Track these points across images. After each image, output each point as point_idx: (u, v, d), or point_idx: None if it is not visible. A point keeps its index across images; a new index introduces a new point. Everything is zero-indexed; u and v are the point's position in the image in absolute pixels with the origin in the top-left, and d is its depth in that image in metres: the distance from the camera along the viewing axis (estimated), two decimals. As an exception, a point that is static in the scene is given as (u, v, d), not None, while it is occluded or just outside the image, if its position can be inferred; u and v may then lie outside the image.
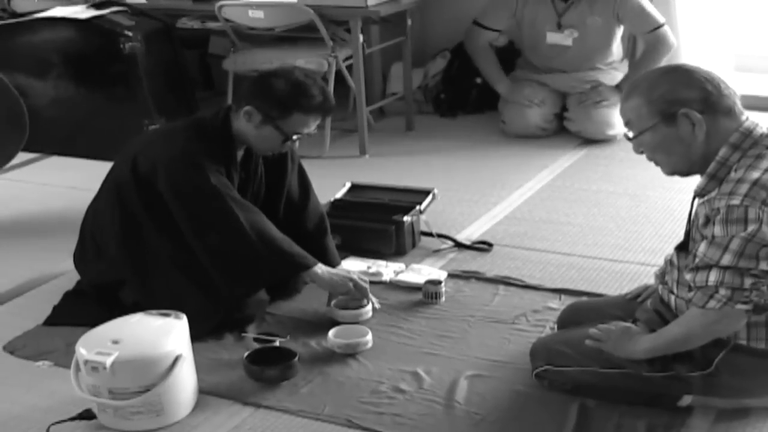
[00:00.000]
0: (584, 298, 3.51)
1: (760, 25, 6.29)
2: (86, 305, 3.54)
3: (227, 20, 5.46)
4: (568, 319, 3.23)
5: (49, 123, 5.38)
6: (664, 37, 5.40)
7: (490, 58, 5.74)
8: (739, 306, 2.57)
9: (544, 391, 2.97)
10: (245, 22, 5.45)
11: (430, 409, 2.95)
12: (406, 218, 4.04)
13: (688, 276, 2.66)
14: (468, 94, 6.11)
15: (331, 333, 3.32)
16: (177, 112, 5.53)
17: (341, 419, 2.92)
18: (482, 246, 4.10)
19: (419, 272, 3.81)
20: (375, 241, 4.04)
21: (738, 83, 5.77)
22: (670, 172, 2.77)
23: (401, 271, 3.85)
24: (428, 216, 4.19)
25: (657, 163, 2.78)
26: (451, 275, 3.81)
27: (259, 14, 5.33)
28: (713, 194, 2.62)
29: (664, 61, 5.38)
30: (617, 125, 5.29)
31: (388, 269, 3.85)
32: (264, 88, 3.38)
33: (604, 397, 2.88)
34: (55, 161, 5.48)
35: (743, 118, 2.68)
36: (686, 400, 2.81)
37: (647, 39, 5.48)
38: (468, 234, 4.26)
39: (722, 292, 2.56)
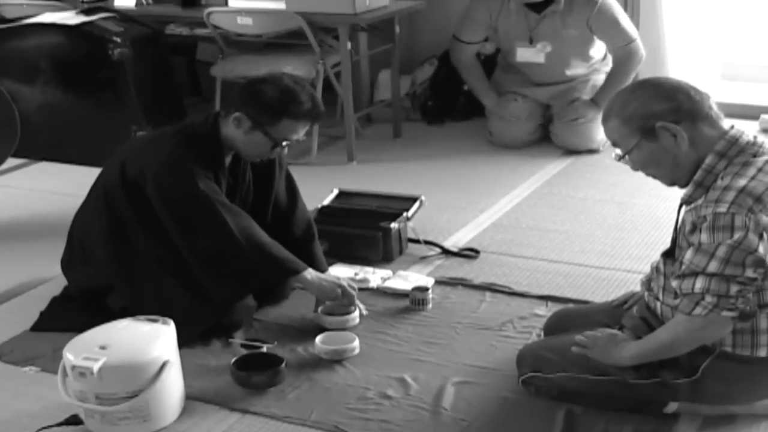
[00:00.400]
0: (571, 305, 3.52)
1: (746, 34, 6.31)
2: (73, 311, 3.54)
3: (216, 27, 5.47)
4: (554, 326, 3.24)
5: (38, 128, 5.37)
6: (636, 52, 5.36)
7: (475, 72, 5.72)
8: (725, 313, 2.58)
9: (530, 398, 2.98)
10: (234, 29, 5.46)
11: (417, 416, 2.96)
12: (394, 225, 4.05)
13: (674, 283, 2.68)
14: (455, 101, 6.12)
15: (318, 339, 3.32)
16: (165, 118, 5.52)
17: (328, 425, 2.92)
18: (469, 253, 4.11)
19: (406, 279, 3.82)
20: (362, 248, 4.05)
21: (725, 92, 5.85)
22: (669, 183, 2.80)
23: (388, 278, 3.85)
24: (415, 223, 4.19)
25: (654, 177, 2.81)
26: (438, 282, 3.82)
27: (248, 21, 5.34)
28: (700, 202, 2.64)
29: (650, 70, 5.42)
30: (599, 137, 5.29)
31: (375, 276, 3.86)
32: (253, 94, 3.39)
33: (591, 404, 2.89)
34: (43, 167, 5.48)
35: (723, 123, 2.70)
36: (672, 406, 2.83)
37: (618, 53, 5.41)
38: (455, 241, 4.27)
39: (708, 299, 2.58)
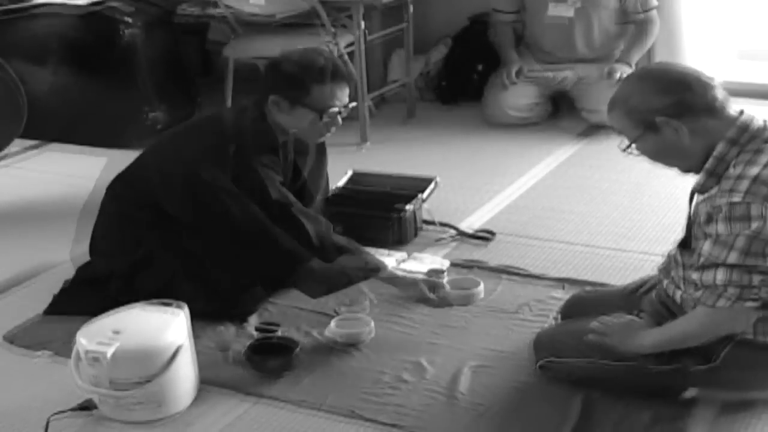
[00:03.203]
0: (588, 288, 3.49)
1: (764, 13, 6.24)
2: (87, 295, 3.51)
3: (228, 7, 5.42)
4: (571, 310, 3.21)
5: (49, 110, 5.38)
6: (654, 21, 5.43)
7: (507, 34, 5.69)
8: (749, 303, 2.56)
9: (547, 383, 2.96)
10: (246, 9, 5.41)
11: (433, 400, 2.94)
12: (408, 207, 4.02)
13: (694, 275, 2.65)
14: (469, 81, 6.06)
15: (332, 324, 3.30)
16: (177, 99, 5.54)
17: (343, 410, 2.90)
18: (485, 235, 4.08)
19: (421, 261, 3.79)
20: (377, 230, 4.01)
21: (742, 71, 5.80)
22: (683, 171, 2.78)
23: (403, 261, 3.82)
24: (430, 204, 4.17)
25: (665, 166, 2.80)
26: (453, 264, 3.79)
27: (260, 1, 5.29)
28: (713, 191, 2.61)
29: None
30: None
31: (390, 258, 3.82)
32: (276, 74, 3.47)
33: (608, 389, 2.87)
34: (55, 149, 5.46)
35: (731, 110, 2.67)
36: (691, 392, 2.80)
37: (639, 18, 5.44)
38: (470, 223, 4.24)
39: (731, 290, 2.55)
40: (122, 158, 3.91)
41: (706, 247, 2.59)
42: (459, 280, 3.42)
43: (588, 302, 3.19)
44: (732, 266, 2.53)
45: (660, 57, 5.64)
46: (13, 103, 4.80)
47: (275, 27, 5.73)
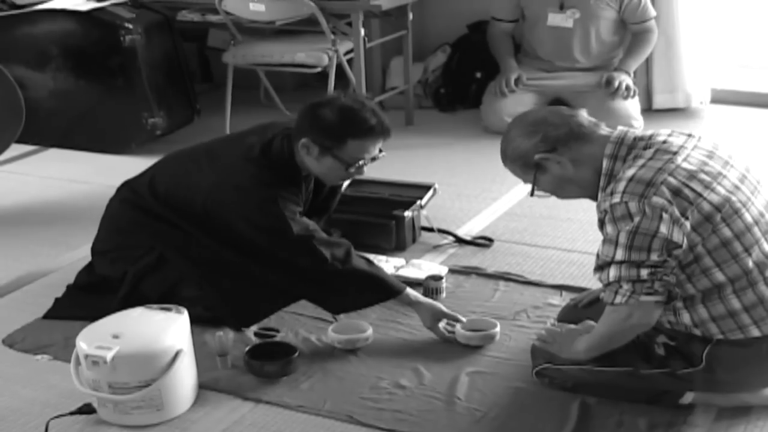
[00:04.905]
0: (580, 294, 3.49)
1: (762, 22, 6.27)
2: (88, 299, 3.52)
3: (228, 13, 5.44)
4: (569, 316, 3.22)
5: (49, 115, 5.39)
6: (653, 30, 5.47)
7: (503, 42, 5.73)
8: (644, 297, 2.64)
9: (545, 388, 2.97)
10: (246, 15, 5.43)
11: (431, 405, 2.95)
12: (407, 213, 4.03)
13: (595, 276, 2.76)
14: (468, 88, 6.08)
15: (331, 328, 3.31)
16: (176, 105, 5.54)
17: (341, 415, 2.91)
18: (483, 241, 4.09)
19: (420, 267, 3.80)
20: (375, 236, 4.03)
21: (742, 80, 5.81)
22: (591, 199, 2.88)
23: (401, 267, 3.83)
24: (428, 211, 4.17)
25: (574, 198, 2.98)
26: (451, 271, 3.80)
27: (260, 7, 5.30)
28: (599, 198, 2.75)
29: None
30: (639, 114, 5.41)
31: (389, 264, 3.83)
32: (314, 119, 3.27)
33: (605, 395, 2.89)
34: (55, 153, 5.47)
35: (603, 131, 2.82)
36: (688, 397, 2.82)
37: (636, 29, 5.49)
38: (468, 229, 4.25)
39: (625, 286, 2.65)
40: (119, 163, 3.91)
41: (600, 247, 2.72)
42: (476, 320, 3.34)
43: (585, 308, 3.21)
44: (620, 263, 2.64)
45: (658, 66, 5.67)
46: (12, 107, 4.81)
47: (275, 33, 5.76)
